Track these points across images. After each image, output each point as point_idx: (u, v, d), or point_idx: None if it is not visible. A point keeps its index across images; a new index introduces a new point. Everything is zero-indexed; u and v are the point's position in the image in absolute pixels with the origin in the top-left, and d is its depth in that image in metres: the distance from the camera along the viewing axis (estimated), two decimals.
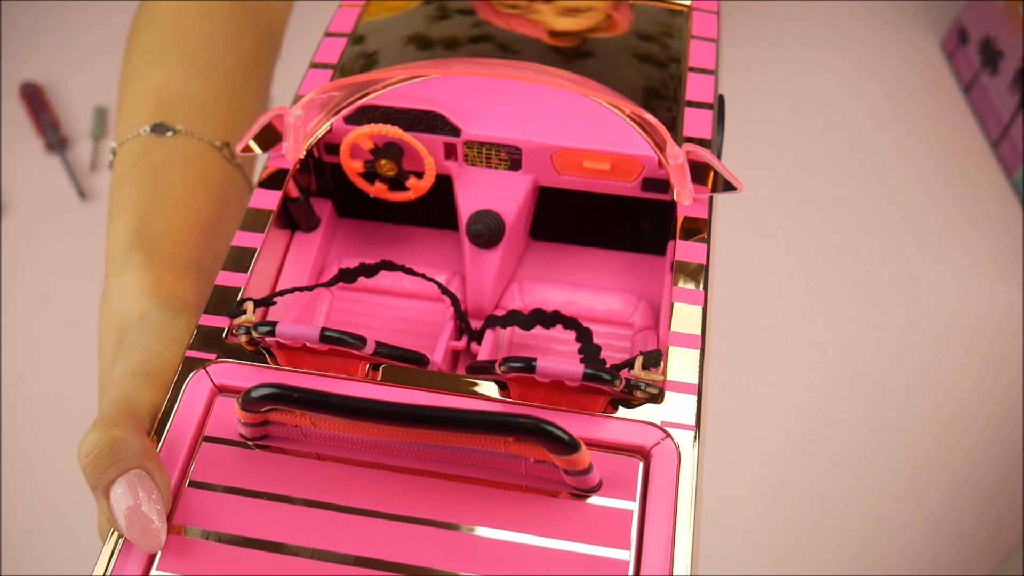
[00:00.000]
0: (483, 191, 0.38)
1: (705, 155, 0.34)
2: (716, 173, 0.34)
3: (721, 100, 0.40)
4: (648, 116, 0.34)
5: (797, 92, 0.88)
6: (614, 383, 0.28)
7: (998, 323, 0.73)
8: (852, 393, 0.70)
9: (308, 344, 0.30)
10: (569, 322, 0.33)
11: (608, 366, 0.29)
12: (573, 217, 0.41)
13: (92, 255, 0.74)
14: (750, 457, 0.67)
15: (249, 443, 0.30)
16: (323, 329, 0.30)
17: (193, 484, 0.29)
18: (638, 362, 0.30)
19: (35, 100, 0.88)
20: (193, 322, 0.34)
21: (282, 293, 0.34)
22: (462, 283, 0.39)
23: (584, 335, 0.32)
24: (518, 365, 0.29)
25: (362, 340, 0.30)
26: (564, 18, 0.42)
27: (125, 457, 0.28)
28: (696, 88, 0.39)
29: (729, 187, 0.34)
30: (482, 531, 0.28)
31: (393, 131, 0.36)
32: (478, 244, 0.38)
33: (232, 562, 0.27)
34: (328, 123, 0.38)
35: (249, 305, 0.32)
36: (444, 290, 0.36)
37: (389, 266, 0.35)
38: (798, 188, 0.81)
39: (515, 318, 0.34)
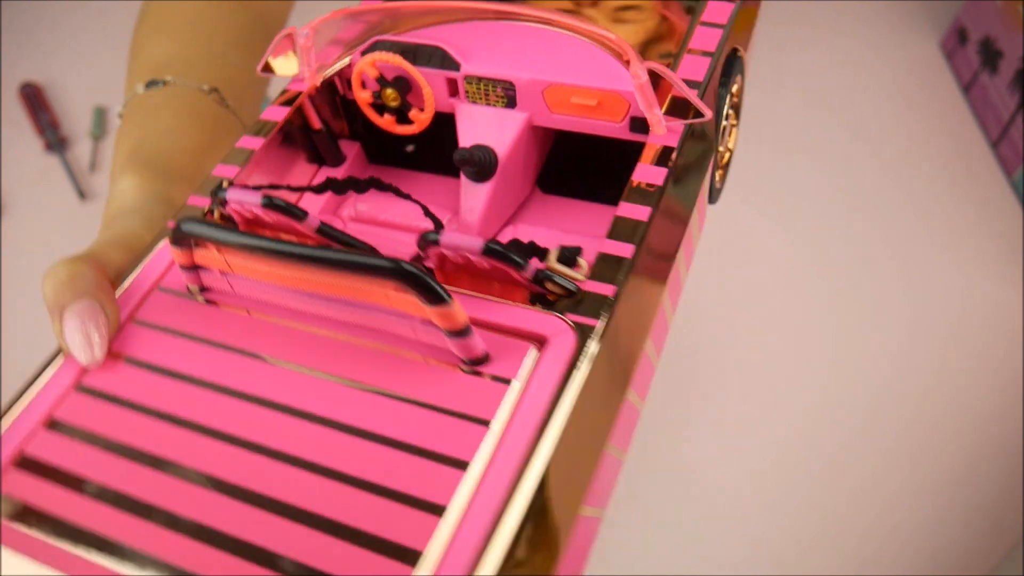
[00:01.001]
0: (480, 127, 0.39)
1: (666, 72, 0.33)
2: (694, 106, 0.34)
3: (734, 53, 0.39)
4: (611, 35, 0.34)
5: (795, 92, 0.88)
6: (520, 266, 0.28)
7: (998, 322, 0.73)
8: (851, 393, 0.70)
9: (256, 213, 0.32)
10: (528, 248, 0.33)
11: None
12: (583, 170, 0.41)
13: None
14: (749, 456, 0.67)
15: (198, 297, 0.32)
16: (265, 195, 0.31)
17: (136, 321, 0.32)
18: (552, 254, 0.30)
19: (34, 100, 0.88)
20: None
21: (268, 187, 0.36)
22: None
23: (540, 252, 0.32)
24: (430, 238, 0.30)
25: (304, 213, 0.31)
26: (617, 26, 0.42)
27: (82, 286, 0.32)
28: (700, 39, 0.39)
29: (697, 115, 0.34)
30: (359, 386, 0.29)
31: (394, 59, 0.38)
32: (467, 174, 0.38)
33: (152, 388, 0.30)
34: (347, 57, 0.39)
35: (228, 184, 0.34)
36: (427, 212, 0.37)
37: (378, 184, 0.36)
38: (796, 188, 0.81)
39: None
